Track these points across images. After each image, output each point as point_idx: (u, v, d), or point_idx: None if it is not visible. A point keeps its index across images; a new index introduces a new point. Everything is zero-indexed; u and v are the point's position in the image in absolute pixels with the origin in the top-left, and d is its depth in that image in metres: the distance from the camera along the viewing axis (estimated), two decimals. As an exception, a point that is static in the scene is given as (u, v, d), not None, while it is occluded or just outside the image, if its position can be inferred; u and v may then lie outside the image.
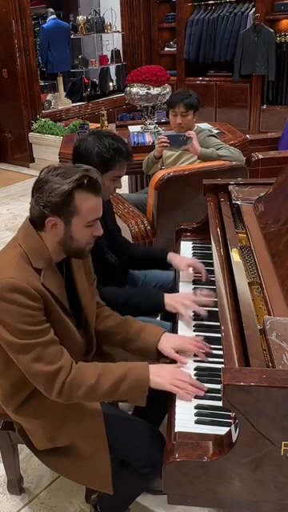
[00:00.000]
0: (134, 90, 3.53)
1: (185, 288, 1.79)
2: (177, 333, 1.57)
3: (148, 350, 1.50)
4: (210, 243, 1.72)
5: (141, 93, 3.52)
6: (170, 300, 1.67)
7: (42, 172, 1.33)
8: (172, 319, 1.70)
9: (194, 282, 1.84)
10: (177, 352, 1.44)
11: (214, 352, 1.43)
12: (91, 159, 1.68)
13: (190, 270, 1.85)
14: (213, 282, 1.56)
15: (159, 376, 1.32)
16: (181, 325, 1.60)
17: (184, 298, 1.65)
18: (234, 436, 1.05)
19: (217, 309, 1.37)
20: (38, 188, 1.30)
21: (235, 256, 1.55)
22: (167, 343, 1.46)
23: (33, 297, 1.26)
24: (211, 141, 2.86)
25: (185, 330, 1.57)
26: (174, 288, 1.88)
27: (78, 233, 1.33)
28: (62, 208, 1.29)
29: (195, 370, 1.38)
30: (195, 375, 1.36)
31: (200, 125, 3.16)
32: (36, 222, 1.34)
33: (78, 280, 1.47)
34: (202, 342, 1.45)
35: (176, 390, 1.28)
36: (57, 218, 1.30)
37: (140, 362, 1.39)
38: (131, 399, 1.35)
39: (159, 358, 1.49)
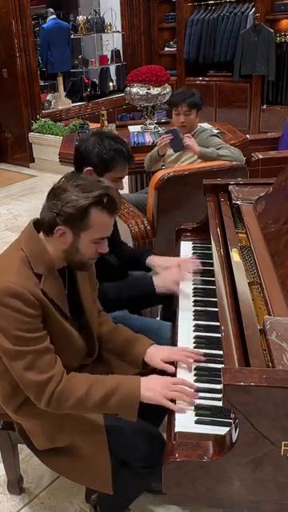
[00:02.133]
0: (134, 89, 3.53)
1: (185, 286, 1.79)
2: (177, 330, 1.57)
3: (135, 363, 1.49)
4: (210, 243, 1.72)
5: (141, 93, 3.52)
6: (159, 282, 1.70)
7: (62, 179, 1.33)
8: (172, 319, 1.70)
9: (194, 277, 1.84)
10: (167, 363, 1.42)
11: (214, 352, 1.43)
12: (91, 159, 1.68)
13: (174, 269, 1.81)
14: (213, 282, 1.56)
15: (150, 390, 1.29)
16: (181, 318, 1.61)
17: (172, 276, 1.69)
18: (234, 436, 1.05)
19: (217, 309, 1.37)
20: (55, 195, 1.29)
21: (235, 256, 1.55)
22: (155, 355, 1.45)
23: (31, 303, 1.26)
24: (213, 140, 2.87)
25: (185, 327, 1.57)
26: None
27: (84, 246, 1.33)
28: (75, 221, 1.28)
29: (195, 370, 1.38)
30: (195, 375, 1.36)
31: (200, 124, 3.16)
32: (45, 226, 1.33)
33: (81, 284, 1.47)
34: (192, 350, 1.43)
35: (169, 405, 1.25)
36: (67, 229, 1.29)
37: (132, 376, 1.37)
38: (121, 414, 1.33)
39: (146, 369, 1.47)
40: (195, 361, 1.40)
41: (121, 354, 1.53)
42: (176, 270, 1.74)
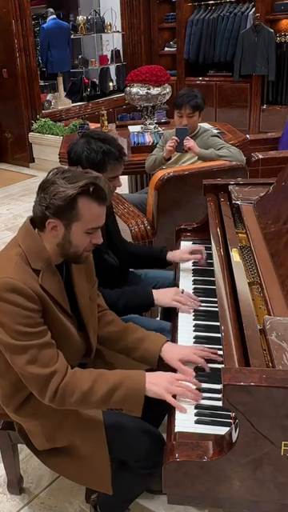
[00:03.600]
0: (134, 89, 3.54)
1: (185, 286, 1.79)
2: (177, 330, 1.57)
3: (149, 359, 1.49)
4: (210, 243, 1.72)
5: (141, 93, 3.52)
6: (160, 296, 1.71)
7: (50, 173, 1.33)
8: (172, 319, 1.70)
9: (194, 277, 1.85)
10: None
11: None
12: (81, 163, 1.68)
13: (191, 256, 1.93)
14: (213, 282, 1.56)
15: (155, 384, 1.30)
16: (181, 318, 1.61)
17: (173, 294, 1.69)
18: (234, 436, 1.05)
19: (217, 309, 1.37)
20: (44, 188, 1.30)
21: (235, 256, 1.55)
22: (172, 353, 1.43)
23: (30, 298, 1.26)
24: (214, 141, 2.88)
25: (185, 327, 1.57)
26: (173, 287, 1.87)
27: (76, 238, 1.33)
28: (64, 212, 1.28)
29: (195, 369, 1.38)
30: (195, 375, 1.36)
31: (201, 125, 3.16)
32: (37, 221, 1.34)
33: (77, 282, 1.46)
34: (208, 350, 1.42)
35: (172, 401, 1.25)
36: (57, 221, 1.30)
37: (137, 370, 1.36)
38: (126, 408, 1.32)
39: (160, 366, 1.47)
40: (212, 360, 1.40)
41: (132, 351, 1.53)
42: (176, 289, 1.75)
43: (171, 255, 1.97)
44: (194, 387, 1.30)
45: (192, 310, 1.65)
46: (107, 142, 1.72)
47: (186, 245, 2.09)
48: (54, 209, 1.28)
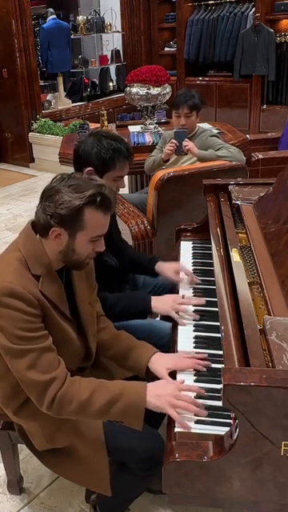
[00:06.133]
0: (134, 89, 3.54)
1: (185, 289, 1.79)
2: (177, 330, 1.57)
3: (138, 370, 1.47)
4: (210, 243, 1.72)
5: (141, 93, 3.52)
6: (158, 303, 1.69)
7: (54, 179, 1.31)
8: (172, 319, 1.70)
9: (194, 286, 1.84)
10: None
11: (214, 352, 1.43)
12: (90, 160, 1.68)
13: (181, 275, 1.84)
14: (213, 282, 1.56)
15: (157, 397, 1.27)
16: (180, 323, 1.60)
17: (173, 302, 1.65)
18: (234, 436, 1.05)
19: (217, 309, 1.37)
20: (48, 196, 1.28)
21: (235, 256, 1.55)
22: (160, 364, 1.42)
23: (30, 303, 1.26)
24: (213, 141, 2.88)
25: (185, 327, 1.57)
26: (174, 289, 1.87)
27: (80, 246, 1.32)
28: (69, 222, 1.27)
29: (195, 370, 1.38)
30: (195, 375, 1.36)
31: (200, 125, 3.16)
32: (40, 228, 1.33)
33: (77, 287, 1.46)
34: (196, 356, 1.41)
35: (174, 416, 1.21)
36: (62, 230, 1.29)
37: (138, 382, 1.34)
38: (126, 421, 1.30)
39: (148, 377, 1.45)
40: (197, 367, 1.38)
41: (122, 360, 1.52)
42: (175, 296, 1.72)
43: (159, 267, 1.92)
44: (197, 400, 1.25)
45: (192, 312, 1.64)
46: (117, 140, 1.73)
47: (187, 246, 2.08)
48: (59, 218, 1.26)
